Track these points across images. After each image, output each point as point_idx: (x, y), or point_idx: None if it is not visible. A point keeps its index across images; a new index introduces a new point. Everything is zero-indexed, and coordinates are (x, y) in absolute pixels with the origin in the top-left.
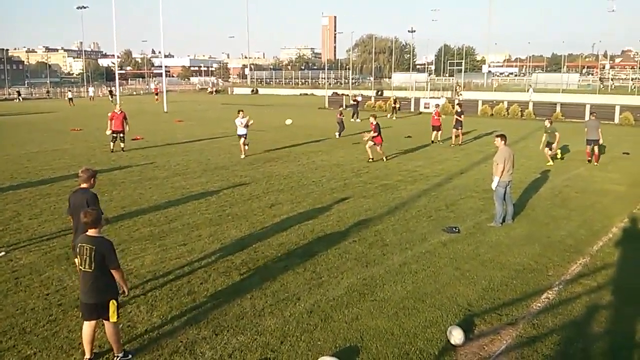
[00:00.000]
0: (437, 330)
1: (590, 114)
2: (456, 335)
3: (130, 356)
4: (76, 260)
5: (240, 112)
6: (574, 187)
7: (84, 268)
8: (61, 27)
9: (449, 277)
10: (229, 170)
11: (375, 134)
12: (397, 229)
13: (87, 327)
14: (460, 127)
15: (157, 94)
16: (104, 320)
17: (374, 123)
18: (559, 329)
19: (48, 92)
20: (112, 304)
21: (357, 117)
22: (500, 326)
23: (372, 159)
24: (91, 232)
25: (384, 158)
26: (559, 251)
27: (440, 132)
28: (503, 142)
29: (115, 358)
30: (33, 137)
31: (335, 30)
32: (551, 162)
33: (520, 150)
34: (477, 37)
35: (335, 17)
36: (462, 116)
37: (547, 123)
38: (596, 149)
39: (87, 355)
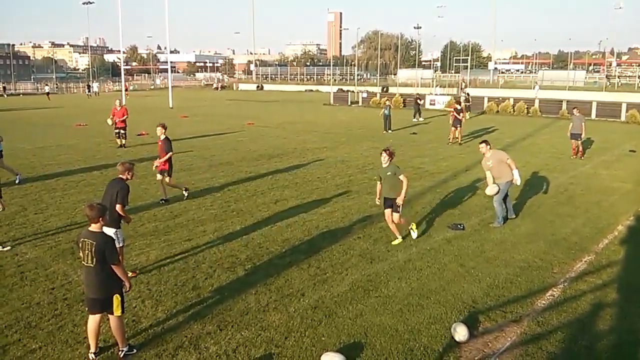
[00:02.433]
0: (442, 327)
1: (574, 108)
2: (460, 332)
3: (134, 350)
4: (81, 254)
5: None
6: (579, 184)
7: (86, 263)
8: (67, 22)
9: (453, 274)
10: (234, 166)
11: (163, 158)
12: (402, 225)
13: (92, 321)
14: (459, 126)
15: (127, 90)
16: (108, 315)
17: (162, 139)
18: (563, 326)
19: (56, 85)
20: (116, 298)
21: (420, 116)
22: (504, 323)
23: (166, 199)
24: (93, 226)
25: (184, 192)
26: (564, 249)
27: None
28: (489, 147)
29: (119, 352)
30: (38, 132)
31: (340, 27)
32: None
33: (526, 148)
34: (483, 33)
35: (341, 13)
36: (462, 114)
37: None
38: (580, 143)
39: (92, 349)
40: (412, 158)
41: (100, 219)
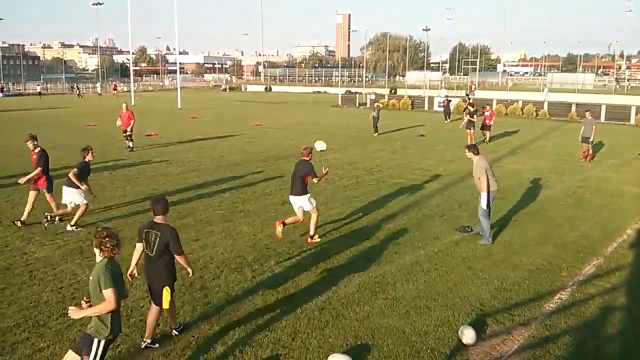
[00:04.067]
0: (449, 330)
1: (586, 111)
2: (468, 335)
3: (157, 345)
4: (137, 245)
5: None
6: (588, 187)
7: (149, 253)
8: (77, 23)
9: (461, 277)
10: (241, 167)
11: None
12: (409, 227)
13: (153, 308)
14: (472, 128)
15: (115, 90)
16: (152, 304)
17: (37, 152)
18: (571, 330)
19: (72, 87)
20: (166, 291)
21: (449, 118)
22: (512, 326)
23: (60, 218)
24: (158, 219)
25: (46, 220)
26: (572, 252)
27: (489, 131)
28: (473, 153)
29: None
30: (47, 132)
31: (349, 28)
32: None
33: (534, 151)
34: (492, 36)
35: (349, 14)
36: (475, 116)
37: None
38: (590, 147)
39: (146, 337)
40: (420, 160)
41: (167, 212)
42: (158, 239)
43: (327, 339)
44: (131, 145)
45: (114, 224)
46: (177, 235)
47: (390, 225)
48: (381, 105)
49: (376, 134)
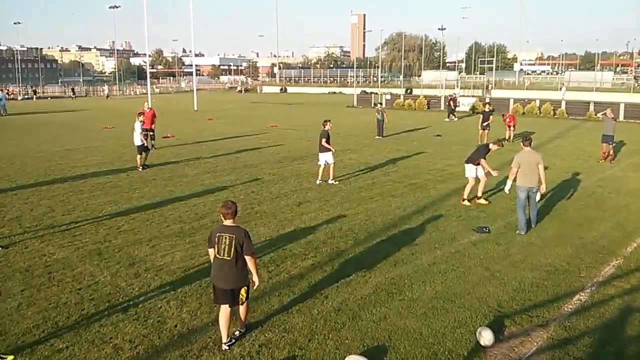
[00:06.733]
0: (467, 331)
1: (607, 109)
2: (486, 337)
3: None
4: (210, 250)
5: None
6: (607, 187)
7: (222, 256)
8: (94, 26)
9: (478, 278)
10: (257, 168)
11: None
12: (426, 228)
13: (223, 311)
14: (487, 128)
15: (108, 97)
16: (229, 307)
17: None
18: (591, 331)
19: (73, 90)
20: (244, 290)
21: (454, 116)
22: (530, 328)
23: None
24: (228, 222)
25: None
26: (591, 252)
27: (513, 131)
28: (522, 145)
29: (237, 331)
30: (66, 134)
31: (364, 29)
32: None
33: (552, 150)
34: (508, 34)
35: (364, 15)
36: (491, 117)
37: None
38: (611, 147)
39: (224, 340)
40: (437, 160)
41: (236, 215)
42: (233, 240)
43: (344, 340)
44: (153, 144)
45: (132, 225)
46: (249, 236)
47: (407, 226)
48: (384, 109)
49: (378, 137)
